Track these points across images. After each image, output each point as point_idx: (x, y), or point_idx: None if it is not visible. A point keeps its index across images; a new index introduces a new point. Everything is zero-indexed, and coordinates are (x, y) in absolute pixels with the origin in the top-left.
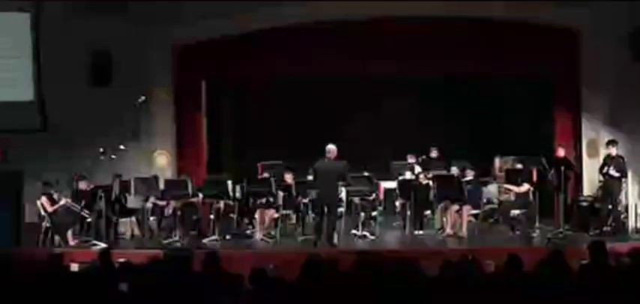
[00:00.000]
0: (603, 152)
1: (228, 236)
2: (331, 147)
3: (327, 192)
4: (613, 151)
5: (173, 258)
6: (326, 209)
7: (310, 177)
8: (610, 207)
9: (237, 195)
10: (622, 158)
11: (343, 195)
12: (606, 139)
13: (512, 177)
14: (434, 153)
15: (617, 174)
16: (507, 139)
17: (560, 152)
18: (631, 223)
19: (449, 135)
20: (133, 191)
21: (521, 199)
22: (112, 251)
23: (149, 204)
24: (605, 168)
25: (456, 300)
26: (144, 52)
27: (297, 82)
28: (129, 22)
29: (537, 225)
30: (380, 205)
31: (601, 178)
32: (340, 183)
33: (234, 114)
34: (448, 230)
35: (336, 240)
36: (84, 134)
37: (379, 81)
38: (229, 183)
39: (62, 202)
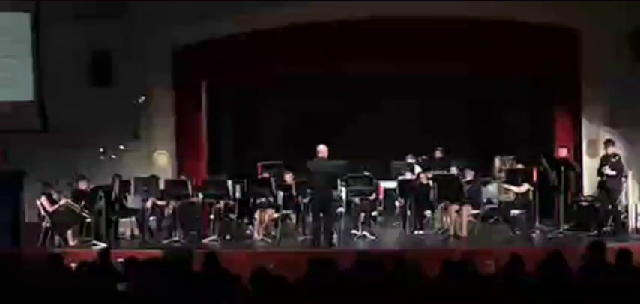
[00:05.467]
0: (603, 152)
1: (228, 236)
2: (322, 147)
3: (321, 192)
4: (609, 151)
5: (173, 258)
6: (322, 210)
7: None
8: (610, 207)
9: (237, 195)
10: (618, 157)
11: (343, 194)
12: (606, 139)
13: (512, 177)
14: (438, 153)
15: (613, 173)
16: (507, 139)
17: (561, 152)
18: (631, 223)
19: (449, 135)
20: (132, 191)
21: (521, 199)
22: (111, 251)
23: (149, 204)
24: (602, 168)
25: (456, 300)
26: (144, 52)
27: (297, 82)
28: (129, 22)
29: (537, 225)
30: (380, 205)
31: (599, 178)
32: (340, 181)
33: (234, 114)
34: (448, 230)
35: (335, 240)
36: (84, 134)
37: (379, 81)
38: (229, 183)
39: (62, 202)
